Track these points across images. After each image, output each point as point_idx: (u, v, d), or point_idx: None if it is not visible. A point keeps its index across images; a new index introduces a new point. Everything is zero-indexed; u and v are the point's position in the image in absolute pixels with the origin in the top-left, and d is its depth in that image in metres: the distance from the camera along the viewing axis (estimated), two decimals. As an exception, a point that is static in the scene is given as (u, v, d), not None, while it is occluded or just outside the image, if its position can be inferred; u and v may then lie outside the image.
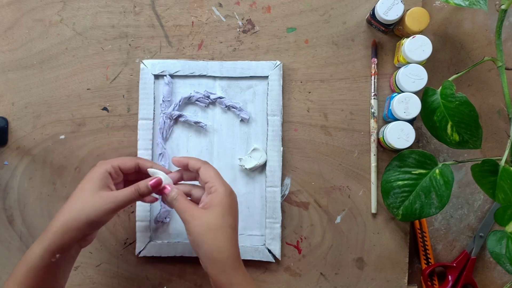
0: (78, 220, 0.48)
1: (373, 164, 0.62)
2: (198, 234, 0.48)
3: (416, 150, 0.58)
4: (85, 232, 0.49)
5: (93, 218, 0.48)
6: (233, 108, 0.62)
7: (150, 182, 0.52)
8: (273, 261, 0.62)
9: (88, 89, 0.63)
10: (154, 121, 0.62)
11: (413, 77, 0.58)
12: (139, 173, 0.55)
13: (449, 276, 0.64)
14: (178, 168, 0.56)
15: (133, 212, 0.62)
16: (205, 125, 0.62)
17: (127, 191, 0.50)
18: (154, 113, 0.62)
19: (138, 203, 0.62)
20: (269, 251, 0.62)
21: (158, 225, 0.62)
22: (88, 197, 0.49)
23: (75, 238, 0.48)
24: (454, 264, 0.64)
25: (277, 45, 0.63)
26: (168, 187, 0.52)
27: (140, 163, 0.55)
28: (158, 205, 0.62)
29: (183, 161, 0.54)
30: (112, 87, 0.63)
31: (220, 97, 0.62)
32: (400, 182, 0.59)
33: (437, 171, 0.58)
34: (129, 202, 0.51)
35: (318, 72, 0.63)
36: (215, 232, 0.48)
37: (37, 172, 0.63)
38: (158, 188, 0.52)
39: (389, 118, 0.60)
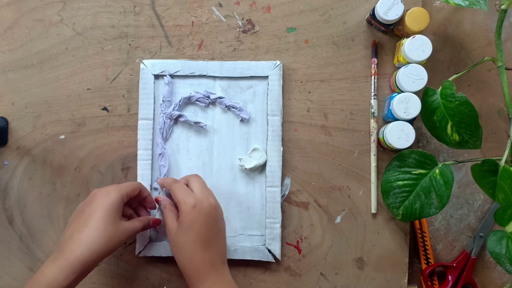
0: (97, 254, 0.50)
1: (373, 164, 0.62)
2: (171, 249, 0.54)
3: (416, 150, 0.58)
4: (99, 262, 0.52)
5: (111, 251, 0.52)
6: (233, 108, 0.62)
7: (152, 219, 0.58)
8: (273, 261, 0.62)
9: (88, 89, 0.64)
10: (154, 121, 0.62)
11: (413, 77, 0.58)
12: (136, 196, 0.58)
13: (449, 276, 0.64)
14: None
15: (133, 212, 0.63)
16: (205, 125, 0.62)
17: (136, 224, 0.55)
18: (154, 113, 0.62)
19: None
20: (269, 251, 0.62)
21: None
22: (105, 229, 0.51)
23: (91, 269, 0.51)
24: (454, 264, 0.64)
25: (277, 45, 0.63)
26: (160, 197, 0.59)
27: (141, 188, 0.57)
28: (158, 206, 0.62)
29: (160, 183, 0.60)
30: (112, 87, 0.63)
31: (220, 97, 0.62)
32: (400, 182, 0.59)
33: (437, 171, 0.58)
34: (136, 233, 0.57)
35: (318, 72, 0.63)
36: (179, 248, 0.53)
37: (37, 172, 0.63)
38: (159, 224, 0.60)
39: (389, 118, 0.60)
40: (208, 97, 0.62)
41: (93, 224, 0.50)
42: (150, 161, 0.62)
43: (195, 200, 0.53)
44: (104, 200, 0.52)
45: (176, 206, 0.56)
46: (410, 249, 0.63)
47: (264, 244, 0.62)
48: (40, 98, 0.63)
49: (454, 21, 0.64)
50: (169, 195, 0.59)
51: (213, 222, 0.54)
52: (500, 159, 0.55)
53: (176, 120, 0.63)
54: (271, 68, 0.62)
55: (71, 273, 0.49)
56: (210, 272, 0.52)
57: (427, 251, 0.64)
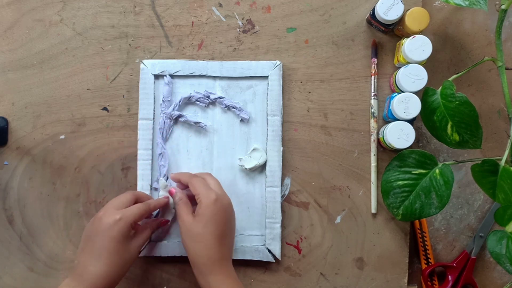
0: (114, 281, 0.52)
1: (373, 164, 0.62)
2: (184, 240, 0.55)
3: (416, 150, 0.58)
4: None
5: (127, 270, 0.54)
6: (233, 108, 0.62)
7: (161, 221, 0.60)
8: (273, 261, 0.62)
9: (88, 89, 0.64)
10: (154, 121, 0.62)
11: (413, 77, 0.58)
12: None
13: (449, 276, 0.64)
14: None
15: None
16: (205, 125, 0.62)
17: (146, 234, 0.56)
18: (154, 113, 0.62)
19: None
20: (269, 251, 0.62)
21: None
22: (119, 259, 0.52)
23: None
24: (454, 264, 0.64)
25: (277, 45, 0.63)
26: (174, 190, 0.59)
27: (148, 207, 0.57)
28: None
29: (176, 177, 0.60)
30: (112, 87, 0.63)
31: (220, 97, 0.62)
32: (400, 182, 0.59)
33: (437, 171, 0.58)
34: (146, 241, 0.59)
35: (318, 72, 0.63)
36: (196, 239, 0.53)
37: (37, 172, 0.63)
38: (166, 224, 0.61)
39: (389, 118, 0.60)
40: (208, 97, 0.62)
41: (107, 258, 0.51)
42: (150, 161, 0.62)
43: (216, 196, 0.54)
44: (113, 230, 0.52)
45: (190, 200, 0.57)
46: (410, 249, 0.63)
47: (264, 244, 0.62)
48: (40, 98, 0.63)
49: (454, 21, 0.64)
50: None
51: (230, 218, 0.56)
52: (500, 159, 0.55)
53: (176, 120, 0.63)
54: (271, 68, 0.62)
55: None
56: (221, 266, 0.54)
57: (427, 251, 0.64)
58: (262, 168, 0.62)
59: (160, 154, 0.62)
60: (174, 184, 0.61)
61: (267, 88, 0.62)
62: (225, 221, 0.55)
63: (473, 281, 0.64)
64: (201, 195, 0.54)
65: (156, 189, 0.62)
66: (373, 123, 0.62)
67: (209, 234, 0.53)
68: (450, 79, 0.57)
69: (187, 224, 0.54)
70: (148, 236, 0.57)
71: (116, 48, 0.63)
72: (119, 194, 0.57)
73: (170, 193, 0.60)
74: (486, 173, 0.55)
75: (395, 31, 0.62)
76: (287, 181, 0.63)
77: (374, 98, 0.62)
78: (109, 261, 0.51)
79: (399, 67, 0.60)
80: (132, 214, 0.53)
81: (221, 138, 0.63)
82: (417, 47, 0.57)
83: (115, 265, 0.52)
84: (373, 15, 0.59)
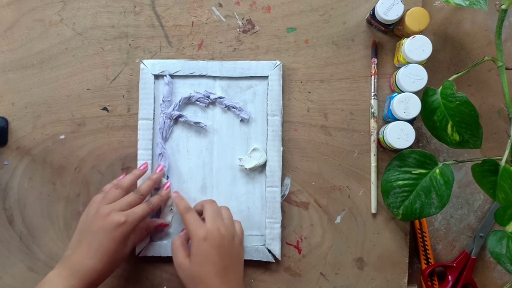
0: (105, 275, 0.53)
1: (373, 164, 0.62)
2: (184, 283, 0.53)
3: (416, 150, 0.58)
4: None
5: (116, 269, 0.55)
6: (233, 108, 0.62)
7: (159, 224, 0.61)
8: (273, 261, 0.62)
9: (88, 89, 0.64)
10: (154, 121, 0.62)
11: (413, 77, 0.58)
12: None
13: (449, 276, 0.64)
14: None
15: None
16: (205, 125, 0.62)
17: (142, 235, 0.58)
18: (154, 113, 0.62)
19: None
20: (269, 251, 0.62)
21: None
22: (115, 257, 0.53)
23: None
24: (454, 264, 0.64)
25: (277, 45, 0.63)
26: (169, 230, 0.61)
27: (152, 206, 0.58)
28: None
29: (176, 203, 0.58)
30: (112, 87, 0.63)
31: (220, 97, 0.62)
32: (400, 182, 0.59)
33: (437, 171, 0.58)
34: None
35: (318, 72, 0.63)
36: (196, 281, 0.52)
37: (37, 172, 0.63)
38: (166, 227, 0.62)
39: (389, 118, 0.60)
40: (208, 97, 0.62)
41: (104, 256, 0.52)
42: (150, 161, 0.62)
43: (206, 232, 0.53)
44: (116, 232, 0.52)
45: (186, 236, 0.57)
46: (410, 249, 0.63)
47: (264, 244, 0.62)
48: (40, 98, 0.63)
49: (454, 21, 0.64)
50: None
51: (227, 252, 0.53)
52: (501, 159, 0.55)
53: (176, 120, 0.63)
54: (271, 68, 0.62)
55: None
56: None
57: (427, 251, 0.64)
58: (262, 168, 0.62)
59: (160, 154, 0.62)
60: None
61: (267, 88, 0.62)
62: (222, 256, 0.53)
63: (473, 281, 0.64)
64: (191, 233, 0.53)
65: (157, 189, 0.62)
66: (373, 123, 0.62)
67: (207, 274, 0.52)
68: (450, 79, 0.57)
69: (184, 268, 0.53)
70: (145, 237, 0.57)
71: (116, 48, 0.63)
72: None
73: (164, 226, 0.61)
74: (486, 173, 0.55)
75: (395, 31, 0.62)
76: (287, 181, 0.63)
77: (374, 98, 0.62)
78: (106, 259, 0.52)
79: (399, 67, 0.60)
80: (136, 218, 0.54)
81: (221, 138, 0.63)
82: (417, 47, 0.57)
83: (110, 262, 0.52)
84: (373, 15, 0.59)
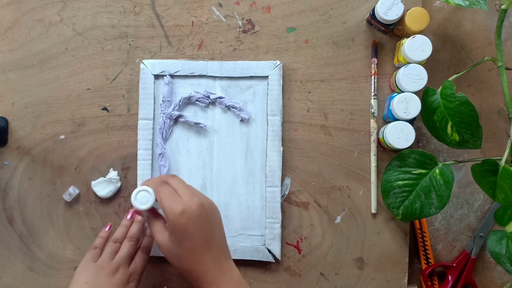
0: None
1: (373, 164, 0.62)
2: (169, 261, 0.52)
3: (416, 150, 0.58)
4: None
5: None
6: (233, 108, 0.62)
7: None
8: (273, 261, 0.62)
9: (88, 89, 0.64)
10: (154, 121, 0.62)
11: (413, 77, 0.58)
12: None
13: (449, 276, 0.64)
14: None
15: (133, 212, 0.63)
16: (205, 125, 0.62)
17: (142, 264, 0.57)
18: (154, 113, 0.62)
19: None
20: (269, 251, 0.62)
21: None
22: None
23: None
24: (454, 264, 0.64)
25: (277, 45, 0.63)
26: (141, 216, 0.58)
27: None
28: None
29: (146, 183, 0.54)
30: (112, 87, 0.63)
31: (220, 97, 0.62)
32: (400, 182, 0.59)
33: (437, 171, 0.58)
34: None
35: (318, 72, 0.63)
36: (179, 259, 0.51)
37: (37, 172, 0.63)
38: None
39: (389, 118, 0.60)
40: (208, 97, 0.62)
41: None
42: (150, 161, 0.62)
43: (183, 205, 0.49)
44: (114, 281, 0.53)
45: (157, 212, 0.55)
46: (410, 249, 0.63)
47: (264, 244, 0.62)
48: (40, 98, 0.63)
49: (454, 21, 0.64)
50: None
51: (206, 221, 0.50)
52: (500, 159, 0.55)
53: (176, 120, 0.63)
54: (271, 68, 0.62)
55: None
56: (215, 272, 0.50)
57: (427, 251, 0.64)
58: (262, 168, 0.62)
59: (160, 154, 0.62)
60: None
61: (267, 88, 0.62)
62: (201, 227, 0.50)
63: (473, 281, 0.64)
64: (166, 209, 0.49)
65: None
66: (373, 123, 0.62)
67: (188, 251, 0.50)
68: (450, 79, 0.57)
69: (164, 247, 0.51)
70: (145, 263, 0.57)
71: (116, 48, 0.63)
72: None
73: (136, 213, 0.58)
74: (486, 173, 0.55)
75: (395, 31, 0.62)
76: (287, 181, 0.63)
77: (374, 98, 0.62)
78: None
79: (399, 67, 0.60)
80: (140, 272, 0.56)
81: (221, 138, 0.63)
82: (417, 47, 0.57)
83: None
84: (373, 15, 0.59)
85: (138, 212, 0.58)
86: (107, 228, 0.59)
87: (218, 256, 0.51)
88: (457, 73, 0.59)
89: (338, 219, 0.63)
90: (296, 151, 0.63)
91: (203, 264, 0.50)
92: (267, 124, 0.62)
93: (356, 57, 0.63)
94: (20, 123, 0.64)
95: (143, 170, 0.62)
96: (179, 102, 0.62)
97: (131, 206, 0.62)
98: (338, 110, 0.63)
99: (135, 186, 0.62)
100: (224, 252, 0.52)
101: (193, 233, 0.49)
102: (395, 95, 0.58)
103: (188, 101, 0.63)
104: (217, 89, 0.63)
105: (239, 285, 0.51)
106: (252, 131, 0.63)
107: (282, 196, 0.62)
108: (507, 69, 0.57)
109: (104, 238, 0.58)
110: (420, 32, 0.58)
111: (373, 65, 0.62)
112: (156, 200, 0.52)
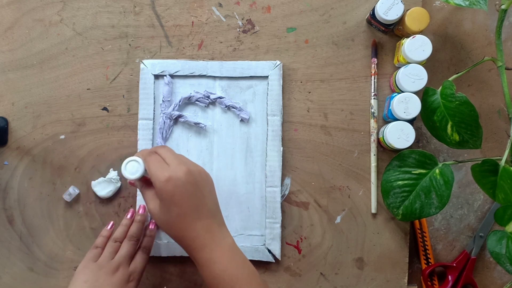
0: None
1: (373, 164, 0.62)
2: (161, 228, 0.53)
3: (416, 150, 0.58)
4: None
5: None
6: (233, 108, 0.62)
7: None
8: (273, 261, 0.62)
9: (88, 89, 0.64)
10: (154, 121, 0.62)
11: (413, 77, 0.58)
12: None
13: (449, 276, 0.64)
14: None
15: (133, 212, 0.63)
16: (205, 125, 0.62)
17: (143, 264, 0.57)
18: (154, 113, 0.62)
19: (138, 202, 0.62)
20: (269, 251, 0.62)
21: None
22: None
23: None
24: (454, 264, 0.64)
25: (277, 45, 0.63)
26: (133, 181, 0.56)
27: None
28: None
29: (137, 155, 0.54)
30: (112, 87, 0.63)
31: (220, 97, 0.62)
32: (400, 182, 0.59)
33: (437, 171, 0.58)
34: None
35: (318, 72, 0.63)
36: (169, 226, 0.51)
37: (37, 172, 0.63)
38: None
39: (389, 118, 0.60)
40: (208, 97, 0.62)
41: None
42: (150, 161, 0.62)
43: (169, 173, 0.49)
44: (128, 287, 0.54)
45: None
46: (410, 249, 0.63)
47: (264, 244, 0.62)
48: (40, 98, 0.63)
49: (454, 21, 0.64)
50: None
51: (194, 188, 0.50)
52: (500, 159, 0.55)
53: (176, 120, 0.63)
54: (271, 68, 0.62)
55: None
56: (205, 239, 0.50)
57: (427, 251, 0.64)
58: (262, 168, 0.62)
59: (160, 154, 0.62)
60: None
61: (267, 88, 0.62)
62: (189, 194, 0.49)
63: (473, 281, 0.64)
64: (153, 177, 0.50)
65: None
66: (373, 123, 0.62)
67: (177, 217, 0.50)
68: (450, 79, 0.57)
69: (155, 214, 0.51)
70: (146, 263, 0.57)
71: (116, 48, 0.63)
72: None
73: (130, 184, 0.57)
74: (486, 173, 0.55)
75: (395, 31, 0.62)
76: (287, 181, 0.63)
77: (374, 98, 0.62)
78: None
79: (399, 67, 0.60)
80: (140, 272, 0.55)
81: (221, 138, 0.63)
82: (417, 47, 0.57)
83: None
84: (373, 15, 0.59)
85: (132, 183, 0.57)
86: (109, 227, 0.59)
87: (209, 223, 0.51)
88: (457, 73, 0.59)
89: (338, 219, 0.63)
90: (296, 151, 0.63)
91: (193, 230, 0.50)
92: (267, 124, 0.62)
93: (356, 57, 0.63)
94: (20, 123, 0.64)
95: (143, 170, 0.62)
96: (179, 102, 0.62)
97: (131, 210, 0.62)
98: (338, 110, 0.63)
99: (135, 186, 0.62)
100: (217, 220, 0.52)
101: (180, 200, 0.49)
102: (395, 95, 0.58)
103: (188, 101, 0.63)
104: (217, 89, 0.63)
105: (231, 252, 0.51)
106: (252, 131, 0.63)
107: (282, 196, 0.62)
108: (507, 69, 0.57)
109: (105, 237, 0.58)
110: (420, 32, 0.58)
111: (373, 65, 0.62)
112: (146, 170, 0.52)
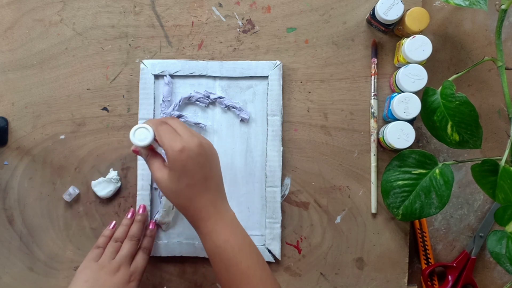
0: None
1: (373, 164, 0.62)
2: (166, 196, 0.52)
3: (416, 150, 0.58)
4: None
5: None
6: (233, 108, 0.62)
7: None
8: (273, 261, 0.62)
9: (88, 89, 0.64)
10: (154, 121, 0.62)
11: (413, 77, 0.58)
12: None
13: (449, 276, 0.64)
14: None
15: (133, 212, 0.63)
16: (205, 125, 0.62)
17: (143, 264, 0.57)
18: (154, 113, 0.62)
19: (138, 202, 0.62)
20: (269, 251, 0.62)
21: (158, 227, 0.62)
22: None
23: None
24: (454, 264, 0.64)
25: (277, 45, 0.63)
26: (137, 149, 0.55)
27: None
28: (158, 206, 0.62)
29: (146, 123, 0.54)
30: (112, 87, 0.63)
31: (220, 97, 0.62)
32: (400, 182, 0.59)
33: (437, 171, 0.58)
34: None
35: (318, 72, 0.63)
36: (176, 195, 0.51)
37: (37, 172, 0.63)
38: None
39: (389, 118, 0.60)
40: (208, 97, 0.62)
41: None
42: (150, 161, 0.62)
43: (182, 143, 0.50)
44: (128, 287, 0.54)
45: (155, 152, 0.54)
46: (410, 249, 0.63)
47: (264, 244, 0.62)
48: (40, 98, 0.63)
49: (454, 21, 0.64)
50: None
51: (205, 160, 0.51)
52: (500, 159, 0.55)
53: (176, 120, 0.63)
54: (271, 68, 0.62)
55: None
56: (210, 210, 0.51)
57: (427, 251, 0.64)
58: (262, 168, 0.62)
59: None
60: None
61: (267, 88, 0.62)
62: (200, 166, 0.50)
63: (473, 281, 0.64)
64: (166, 146, 0.50)
65: (156, 189, 0.62)
66: (373, 123, 0.62)
67: (186, 187, 0.50)
68: (450, 79, 0.57)
69: (162, 182, 0.51)
70: (146, 262, 0.57)
71: (116, 48, 0.63)
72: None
73: (134, 152, 0.56)
74: (486, 173, 0.55)
75: (395, 31, 0.62)
76: (287, 181, 0.63)
77: (374, 98, 0.62)
78: None
79: (399, 67, 0.60)
80: (141, 272, 0.56)
81: (221, 138, 0.63)
82: (417, 47, 0.57)
83: None
84: (373, 15, 0.59)
85: (136, 151, 0.55)
86: (111, 226, 0.59)
87: (215, 196, 0.52)
88: (457, 73, 0.59)
89: (338, 219, 0.63)
90: (296, 151, 0.63)
91: (199, 201, 0.51)
92: (267, 124, 0.62)
93: (356, 57, 0.63)
94: (20, 123, 0.64)
95: (143, 170, 0.62)
96: (179, 102, 0.62)
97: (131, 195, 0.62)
98: (338, 110, 0.63)
99: (135, 186, 0.62)
100: (220, 194, 0.53)
101: (191, 170, 0.50)
102: (395, 95, 0.58)
103: (188, 101, 0.63)
104: (217, 89, 0.63)
105: (233, 225, 0.52)
106: (252, 131, 0.63)
107: (282, 196, 0.62)
108: (507, 69, 0.57)
109: (107, 237, 0.58)
110: (420, 32, 0.58)
111: (373, 65, 0.62)
112: (154, 138, 0.52)
